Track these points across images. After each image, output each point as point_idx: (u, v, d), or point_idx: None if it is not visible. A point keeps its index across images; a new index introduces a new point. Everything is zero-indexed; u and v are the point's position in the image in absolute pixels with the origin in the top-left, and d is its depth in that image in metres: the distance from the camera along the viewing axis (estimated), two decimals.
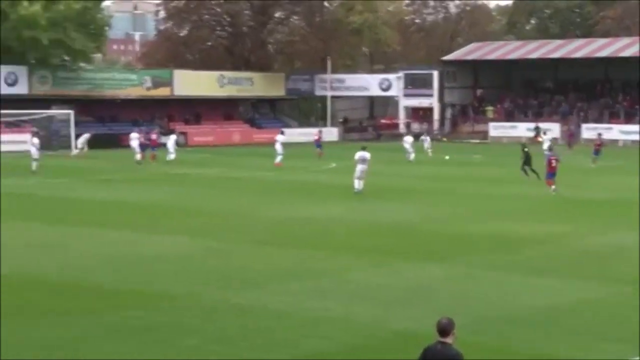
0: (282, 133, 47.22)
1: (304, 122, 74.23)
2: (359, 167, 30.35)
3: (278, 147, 43.67)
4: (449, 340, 7.65)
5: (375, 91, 75.51)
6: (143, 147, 46.57)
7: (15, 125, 57.23)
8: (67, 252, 18.99)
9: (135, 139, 47.41)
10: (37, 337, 12.31)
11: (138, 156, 45.37)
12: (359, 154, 30.66)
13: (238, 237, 21.04)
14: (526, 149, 35.16)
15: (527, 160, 34.56)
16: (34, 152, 40.18)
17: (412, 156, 46.03)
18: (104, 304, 14.19)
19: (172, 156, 46.61)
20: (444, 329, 7.64)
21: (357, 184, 30.33)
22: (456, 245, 19.93)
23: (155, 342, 12.07)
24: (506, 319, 13.40)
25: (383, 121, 76.55)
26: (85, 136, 52.82)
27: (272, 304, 14.16)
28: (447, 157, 48.11)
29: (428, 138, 53.06)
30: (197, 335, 12.44)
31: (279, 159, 42.76)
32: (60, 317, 13.36)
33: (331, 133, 68.33)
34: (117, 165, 44.44)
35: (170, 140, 48.26)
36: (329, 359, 11.55)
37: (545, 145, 41.68)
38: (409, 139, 48.02)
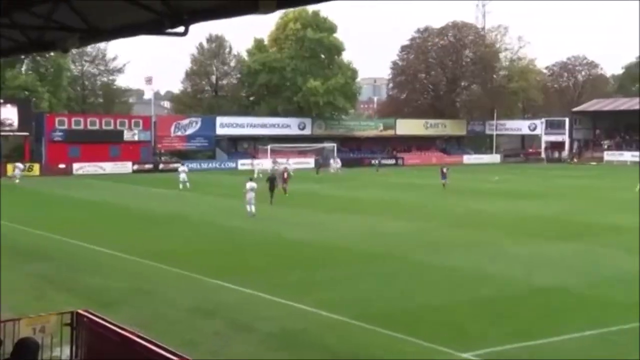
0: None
1: (478, 151, 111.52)
2: None
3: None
4: None
5: (526, 131, 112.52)
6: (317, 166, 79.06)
7: (302, 153, 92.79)
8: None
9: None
10: None
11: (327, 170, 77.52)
12: None
13: None
14: None
15: None
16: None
17: None
18: None
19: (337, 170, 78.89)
20: None
21: None
22: None
23: None
24: None
25: (530, 150, 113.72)
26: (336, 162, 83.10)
27: None
28: (496, 178, 63.98)
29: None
30: None
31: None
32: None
33: (495, 158, 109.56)
34: (362, 177, 68.21)
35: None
36: None
37: None
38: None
